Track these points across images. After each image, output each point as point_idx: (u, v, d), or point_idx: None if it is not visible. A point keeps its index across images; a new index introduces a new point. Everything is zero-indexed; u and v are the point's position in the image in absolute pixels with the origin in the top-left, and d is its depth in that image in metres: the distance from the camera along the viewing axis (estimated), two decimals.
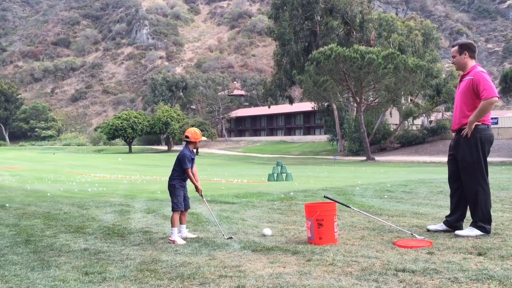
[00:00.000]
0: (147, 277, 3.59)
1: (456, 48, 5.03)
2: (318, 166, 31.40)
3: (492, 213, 6.12)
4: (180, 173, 5.38)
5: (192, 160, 5.44)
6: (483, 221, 4.80)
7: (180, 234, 5.19)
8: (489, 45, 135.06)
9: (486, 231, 4.77)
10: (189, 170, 5.35)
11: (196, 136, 5.44)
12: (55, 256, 4.42)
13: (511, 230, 5.01)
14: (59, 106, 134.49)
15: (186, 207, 5.47)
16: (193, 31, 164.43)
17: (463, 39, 5.33)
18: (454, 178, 5.18)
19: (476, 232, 4.76)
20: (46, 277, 3.65)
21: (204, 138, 5.62)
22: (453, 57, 5.02)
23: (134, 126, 72.16)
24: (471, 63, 4.93)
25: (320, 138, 69.71)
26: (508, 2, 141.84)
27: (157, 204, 8.47)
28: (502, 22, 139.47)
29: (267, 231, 5.22)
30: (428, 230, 5.19)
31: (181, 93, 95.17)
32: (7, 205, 8.64)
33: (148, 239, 5.19)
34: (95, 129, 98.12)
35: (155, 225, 6.12)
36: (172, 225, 5.15)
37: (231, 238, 4.98)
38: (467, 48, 4.94)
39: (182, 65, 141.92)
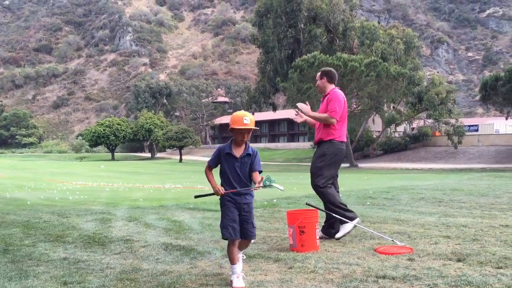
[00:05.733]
0: (127, 286, 3.55)
1: (319, 74, 5.71)
2: (302, 173, 31.46)
3: (472, 219, 6.22)
4: (224, 179, 3.84)
5: (231, 157, 3.76)
6: (340, 214, 5.17)
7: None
8: (469, 54, 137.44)
9: (351, 218, 5.19)
10: (209, 167, 3.90)
11: (234, 120, 3.74)
12: (33, 265, 4.34)
13: (490, 236, 5.07)
14: (40, 113, 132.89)
15: (240, 234, 3.76)
16: (177, 38, 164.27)
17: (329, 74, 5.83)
18: None
19: (347, 226, 5.14)
20: (24, 287, 3.59)
21: (247, 121, 3.70)
22: (317, 80, 5.66)
23: (117, 133, 71.60)
24: (330, 86, 5.57)
25: (304, 145, 69.93)
26: (487, 12, 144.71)
27: (139, 212, 8.39)
28: (482, 31, 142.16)
29: None
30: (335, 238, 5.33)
31: (165, 100, 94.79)
32: None
33: (129, 247, 5.14)
34: (77, 136, 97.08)
35: (136, 233, 6.06)
36: (230, 261, 3.75)
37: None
38: (325, 74, 5.63)
39: (165, 72, 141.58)
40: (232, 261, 3.69)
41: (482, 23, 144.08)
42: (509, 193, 10.31)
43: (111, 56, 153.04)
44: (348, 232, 5.20)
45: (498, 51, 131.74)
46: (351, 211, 5.32)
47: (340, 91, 5.55)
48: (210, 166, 3.91)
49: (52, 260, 4.57)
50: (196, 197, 4.25)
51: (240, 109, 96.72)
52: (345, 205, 5.34)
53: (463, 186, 13.05)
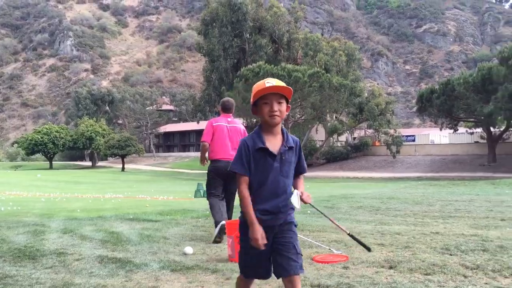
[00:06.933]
0: None
1: None
2: None
3: (405, 227, 6.48)
4: (253, 192, 2.56)
5: (265, 155, 2.54)
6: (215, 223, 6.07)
7: None
8: (407, 67, 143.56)
9: (216, 223, 6.03)
10: (243, 179, 2.55)
11: (254, 89, 2.58)
12: None
13: (421, 243, 5.28)
14: None
15: (279, 270, 2.51)
16: (120, 44, 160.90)
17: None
18: None
19: (216, 230, 5.91)
20: None
21: (271, 83, 2.51)
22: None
23: (56, 141, 68.90)
24: (223, 115, 6.46)
25: None
26: (424, 27, 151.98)
27: (76, 223, 8.08)
28: (419, 46, 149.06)
29: (188, 250, 5.15)
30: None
31: (107, 107, 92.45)
32: None
33: (62, 261, 4.93)
34: (13, 144, 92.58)
35: (71, 246, 5.83)
36: None
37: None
38: (220, 105, 6.58)
39: (108, 79, 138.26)
40: None
41: (418, 38, 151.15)
42: (441, 201, 10.81)
43: (50, 61, 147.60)
44: (215, 235, 5.89)
45: (433, 65, 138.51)
46: (220, 220, 5.98)
47: (216, 118, 6.50)
48: (244, 176, 2.54)
49: None
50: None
51: (185, 118, 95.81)
52: (221, 215, 6.09)
53: (399, 195, 13.55)
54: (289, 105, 2.58)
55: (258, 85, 2.56)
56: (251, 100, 2.59)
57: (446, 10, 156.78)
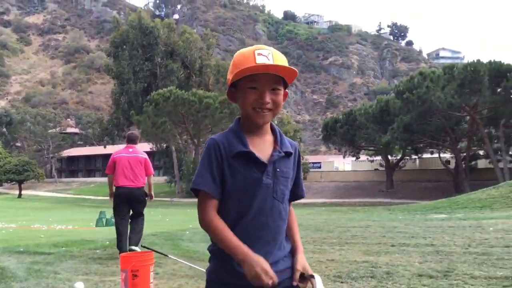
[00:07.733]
0: None
1: None
2: (153, 209, 30.72)
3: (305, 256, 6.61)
4: (225, 211, 1.60)
5: (249, 164, 1.58)
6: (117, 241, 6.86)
7: None
8: (315, 96, 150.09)
9: (119, 247, 6.72)
10: (209, 202, 1.59)
11: (235, 62, 1.63)
12: None
13: (316, 271, 5.36)
14: None
15: None
16: (22, 62, 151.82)
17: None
18: None
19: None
20: None
21: (264, 58, 1.53)
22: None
23: None
24: (126, 145, 7.24)
25: (158, 179, 68.66)
26: (329, 59, 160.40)
27: None
28: (325, 77, 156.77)
29: (79, 285, 4.87)
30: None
31: (4, 129, 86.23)
32: None
33: None
34: None
35: None
36: None
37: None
38: (126, 137, 7.43)
39: (7, 98, 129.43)
40: None
41: (325, 70, 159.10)
42: (341, 227, 11.26)
43: None
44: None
45: (338, 95, 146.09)
46: (124, 245, 6.61)
47: (117, 150, 7.28)
48: (210, 198, 1.57)
49: None
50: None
51: (91, 141, 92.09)
52: (122, 238, 6.72)
53: (304, 221, 13.92)
54: (287, 90, 1.65)
55: (243, 57, 1.59)
56: (228, 78, 1.65)
57: (349, 44, 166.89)
